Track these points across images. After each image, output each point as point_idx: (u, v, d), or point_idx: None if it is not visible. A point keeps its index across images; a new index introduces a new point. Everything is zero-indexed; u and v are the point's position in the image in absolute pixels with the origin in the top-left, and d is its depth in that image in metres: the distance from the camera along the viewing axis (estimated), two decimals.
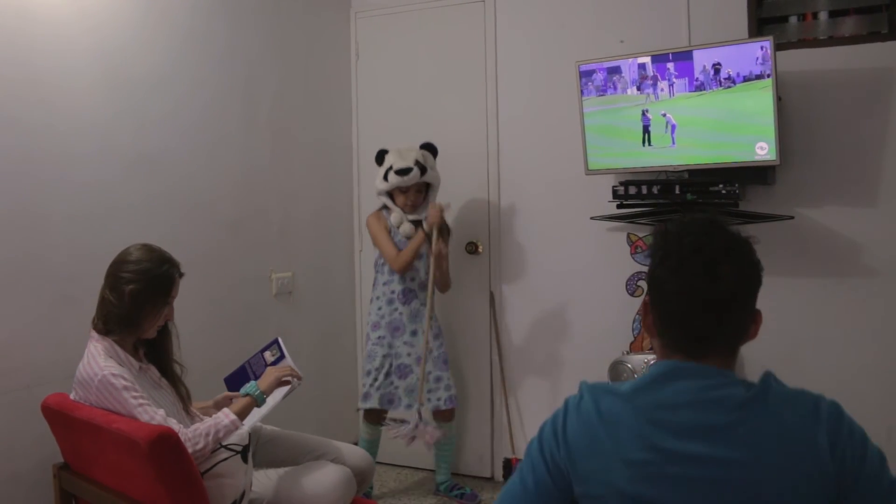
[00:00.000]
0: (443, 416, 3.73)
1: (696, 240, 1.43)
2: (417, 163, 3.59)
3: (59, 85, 2.76)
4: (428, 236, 3.59)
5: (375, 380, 3.64)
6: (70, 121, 2.80)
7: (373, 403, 3.63)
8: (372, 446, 3.69)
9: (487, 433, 4.09)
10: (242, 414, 2.39)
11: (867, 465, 1.32)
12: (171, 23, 3.23)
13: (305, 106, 4.03)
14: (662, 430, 1.34)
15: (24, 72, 2.65)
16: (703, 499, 1.31)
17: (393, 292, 3.70)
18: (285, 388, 2.58)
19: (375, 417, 3.68)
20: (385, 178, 3.62)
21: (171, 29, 3.22)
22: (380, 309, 3.71)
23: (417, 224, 3.68)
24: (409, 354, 3.66)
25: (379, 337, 3.68)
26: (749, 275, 1.43)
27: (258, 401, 2.47)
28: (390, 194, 3.69)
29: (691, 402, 1.35)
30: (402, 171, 3.57)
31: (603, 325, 3.76)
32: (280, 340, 2.78)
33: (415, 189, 3.65)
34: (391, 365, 3.66)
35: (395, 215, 3.68)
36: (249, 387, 2.49)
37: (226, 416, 2.32)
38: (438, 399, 3.67)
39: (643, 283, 3.68)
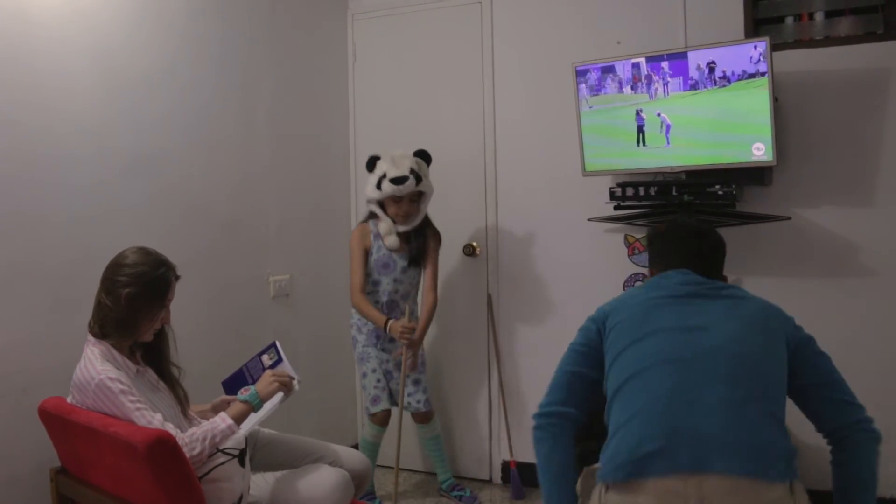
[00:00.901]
0: (422, 417, 3.72)
1: (687, 223, 2.38)
2: (413, 171, 3.46)
3: (56, 86, 2.76)
4: (385, 329, 3.52)
5: (378, 381, 3.61)
6: (68, 122, 2.80)
7: (384, 405, 3.59)
8: (375, 449, 3.66)
9: (485, 436, 4.09)
10: (239, 418, 2.38)
11: (809, 342, 2.03)
12: (169, 24, 3.22)
13: (303, 108, 4.03)
14: (665, 290, 2.08)
15: (22, 73, 2.64)
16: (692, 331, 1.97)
17: (377, 302, 3.63)
18: (282, 393, 2.57)
19: (384, 418, 3.62)
20: (378, 186, 3.49)
21: (168, 30, 3.22)
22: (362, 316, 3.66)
23: (406, 238, 3.59)
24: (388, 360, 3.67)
25: (366, 338, 3.65)
26: (720, 248, 2.22)
27: (255, 407, 2.46)
28: (381, 203, 3.57)
29: (687, 282, 2.08)
30: (398, 180, 3.44)
31: None
32: (278, 344, 2.78)
33: (408, 198, 3.52)
34: (374, 369, 3.62)
35: (384, 225, 3.56)
36: (249, 395, 2.46)
37: (222, 420, 2.31)
38: (418, 402, 3.67)
39: (640, 285, 3.67)
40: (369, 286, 3.62)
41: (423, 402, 3.67)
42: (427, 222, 3.67)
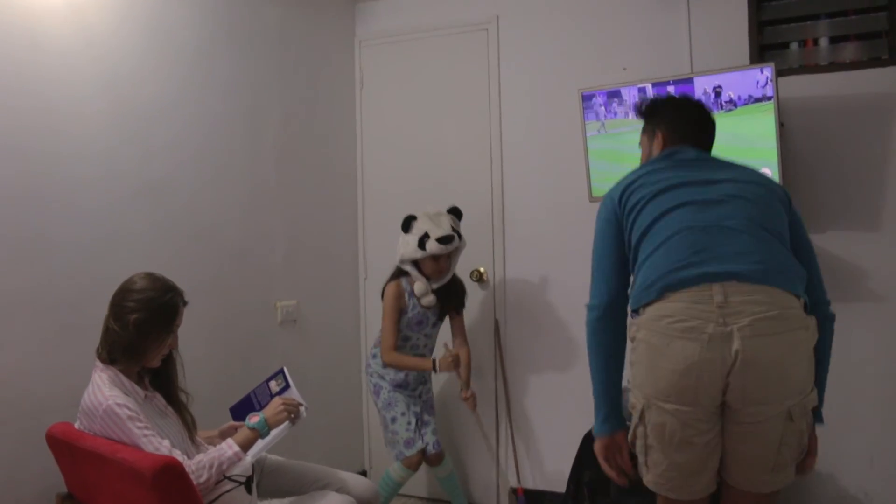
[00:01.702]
0: (435, 458, 3.66)
1: (691, 98, 2.59)
2: (454, 229, 3.49)
3: (65, 113, 2.78)
4: (434, 370, 3.54)
5: (409, 423, 3.55)
6: (76, 149, 2.81)
7: (420, 445, 3.55)
8: (397, 489, 3.58)
9: (493, 463, 4.07)
10: (246, 445, 2.38)
11: (802, 221, 2.28)
12: (178, 52, 3.25)
13: (310, 134, 4.06)
14: (677, 159, 2.29)
15: (33, 101, 2.67)
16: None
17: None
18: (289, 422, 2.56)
19: (418, 462, 3.56)
20: (421, 246, 3.44)
21: (177, 58, 3.25)
22: (385, 366, 3.61)
23: (438, 294, 3.58)
24: (419, 397, 3.66)
25: (390, 385, 3.60)
26: (715, 130, 2.44)
27: (262, 434, 2.46)
28: (416, 262, 3.54)
29: (698, 155, 2.32)
30: (445, 240, 3.42)
31: None
32: (285, 370, 2.78)
33: (446, 255, 3.52)
34: (403, 413, 3.57)
35: (420, 285, 3.53)
36: (258, 422, 2.46)
37: (229, 447, 2.31)
38: (426, 444, 3.61)
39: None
40: (398, 341, 3.58)
41: (434, 444, 3.63)
42: (454, 275, 3.68)
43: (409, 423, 3.56)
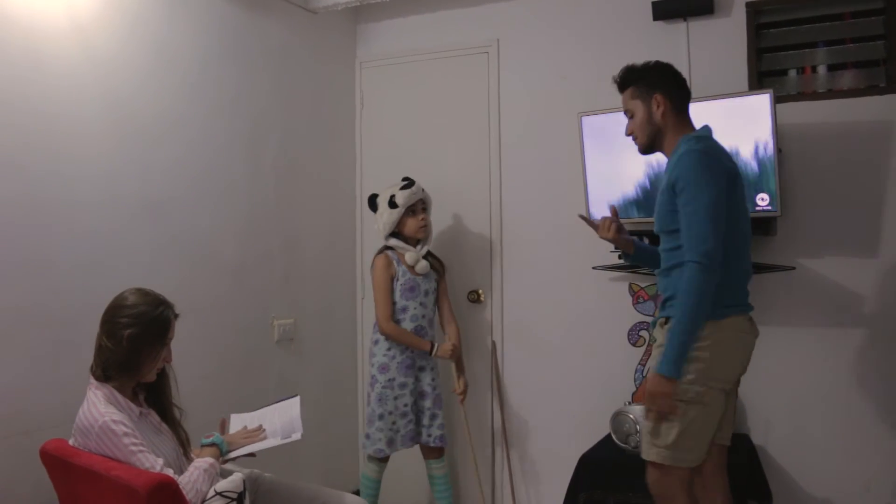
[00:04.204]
0: (434, 452, 3.69)
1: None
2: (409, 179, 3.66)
3: (68, 133, 2.80)
4: (430, 352, 3.64)
5: (394, 423, 3.58)
6: (76, 168, 2.83)
7: (397, 447, 3.59)
8: (377, 487, 3.64)
9: (488, 485, 4.05)
10: (215, 457, 2.45)
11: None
12: (180, 72, 3.28)
13: (310, 154, 4.07)
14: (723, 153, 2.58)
15: (35, 120, 2.69)
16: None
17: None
18: (259, 445, 2.62)
19: (387, 457, 3.63)
20: (392, 204, 3.58)
21: (179, 78, 3.27)
22: (389, 349, 3.62)
23: (430, 259, 3.69)
24: (432, 389, 3.66)
25: (389, 380, 3.59)
26: None
27: (221, 446, 2.53)
28: (397, 233, 3.64)
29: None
30: (408, 185, 3.61)
31: (605, 375, 3.75)
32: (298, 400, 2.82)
33: (421, 207, 3.66)
34: (406, 405, 3.59)
35: (411, 255, 3.61)
36: (214, 438, 2.56)
37: (203, 461, 2.37)
38: (429, 436, 3.64)
39: (645, 333, 3.67)
40: (396, 314, 3.63)
41: (436, 438, 3.64)
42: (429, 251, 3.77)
43: (393, 424, 3.57)
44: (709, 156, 2.46)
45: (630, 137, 2.74)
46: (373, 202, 3.68)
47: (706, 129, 2.64)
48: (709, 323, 2.41)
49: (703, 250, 2.34)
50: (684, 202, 2.42)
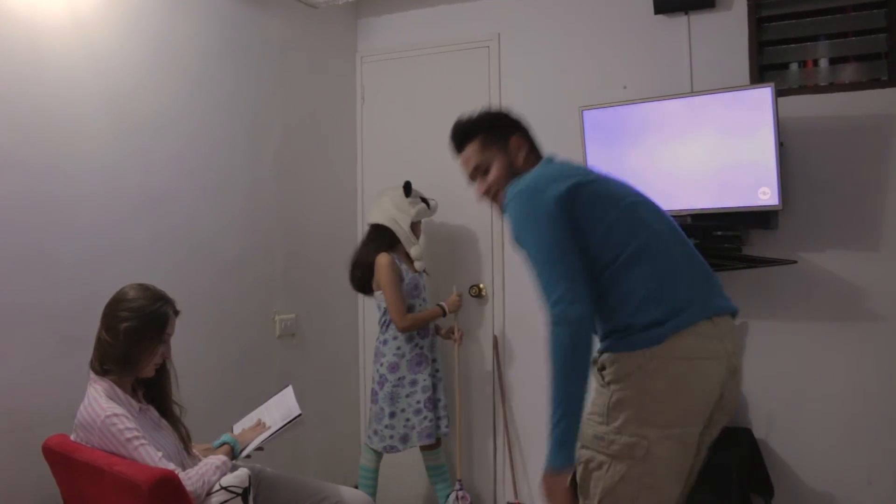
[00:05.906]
0: (436, 442, 3.70)
1: None
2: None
3: (69, 128, 2.80)
4: (444, 313, 3.70)
5: (408, 420, 3.58)
6: (77, 163, 2.83)
7: (413, 444, 3.60)
8: (375, 477, 3.66)
9: (490, 478, 4.06)
10: (227, 455, 2.48)
11: None
12: (181, 67, 3.27)
13: (311, 148, 4.07)
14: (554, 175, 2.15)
15: (36, 116, 2.68)
16: None
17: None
18: (265, 434, 2.64)
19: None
20: (427, 205, 3.76)
21: (180, 73, 3.27)
22: (399, 348, 3.60)
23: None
24: (437, 384, 3.68)
25: (399, 378, 3.58)
26: None
27: (234, 445, 2.55)
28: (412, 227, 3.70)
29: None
30: (430, 203, 3.77)
31: None
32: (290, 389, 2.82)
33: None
34: (419, 401, 3.58)
35: (417, 248, 3.67)
36: (226, 437, 2.60)
37: (216, 458, 2.38)
38: (446, 426, 3.68)
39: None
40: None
41: (445, 427, 3.67)
42: None
43: (407, 421, 3.58)
44: (523, 195, 2.08)
45: (486, 197, 2.38)
46: (409, 188, 3.72)
47: (544, 160, 2.34)
48: (622, 355, 1.97)
49: (555, 299, 1.93)
50: (526, 256, 2.05)
